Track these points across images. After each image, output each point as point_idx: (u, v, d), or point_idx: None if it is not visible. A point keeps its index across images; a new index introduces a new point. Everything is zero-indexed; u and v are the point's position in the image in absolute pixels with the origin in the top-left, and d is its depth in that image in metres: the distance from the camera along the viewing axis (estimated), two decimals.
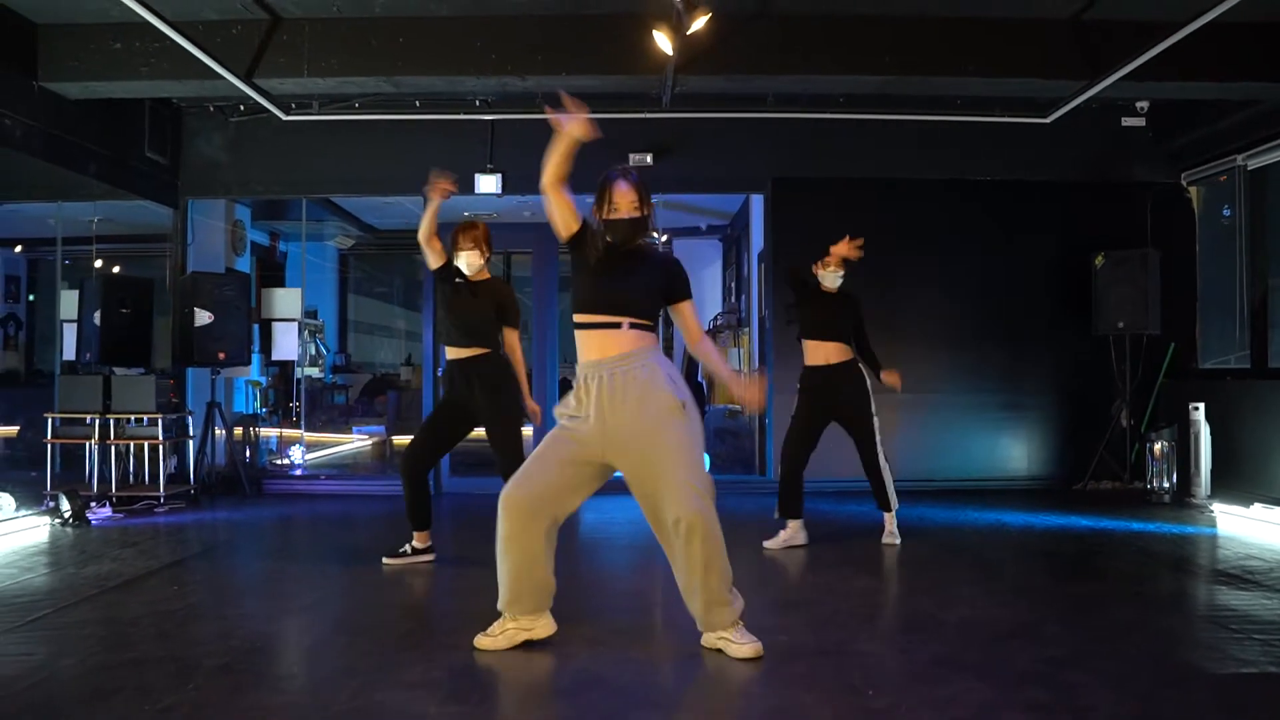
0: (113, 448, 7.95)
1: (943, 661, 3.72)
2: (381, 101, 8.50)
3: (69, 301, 9.05)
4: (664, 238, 11.92)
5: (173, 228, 9.22)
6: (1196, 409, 8.05)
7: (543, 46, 7.20)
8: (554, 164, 3.77)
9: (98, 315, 8.08)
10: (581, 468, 3.83)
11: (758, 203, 10.07)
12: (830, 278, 6.28)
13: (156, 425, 7.94)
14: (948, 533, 6.83)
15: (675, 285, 3.93)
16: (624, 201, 3.84)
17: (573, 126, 3.70)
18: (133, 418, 8.01)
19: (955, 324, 8.99)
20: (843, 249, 6.22)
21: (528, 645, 3.93)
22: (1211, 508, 7.55)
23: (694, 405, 3.84)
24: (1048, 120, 8.31)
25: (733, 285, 12.78)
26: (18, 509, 6.87)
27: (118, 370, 8.22)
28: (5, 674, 3.54)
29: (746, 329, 11.21)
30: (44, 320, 11.56)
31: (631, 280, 3.82)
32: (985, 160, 9.00)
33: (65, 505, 6.94)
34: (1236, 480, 7.84)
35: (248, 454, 9.45)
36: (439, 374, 7.68)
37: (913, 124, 8.76)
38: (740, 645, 3.77)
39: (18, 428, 9.90)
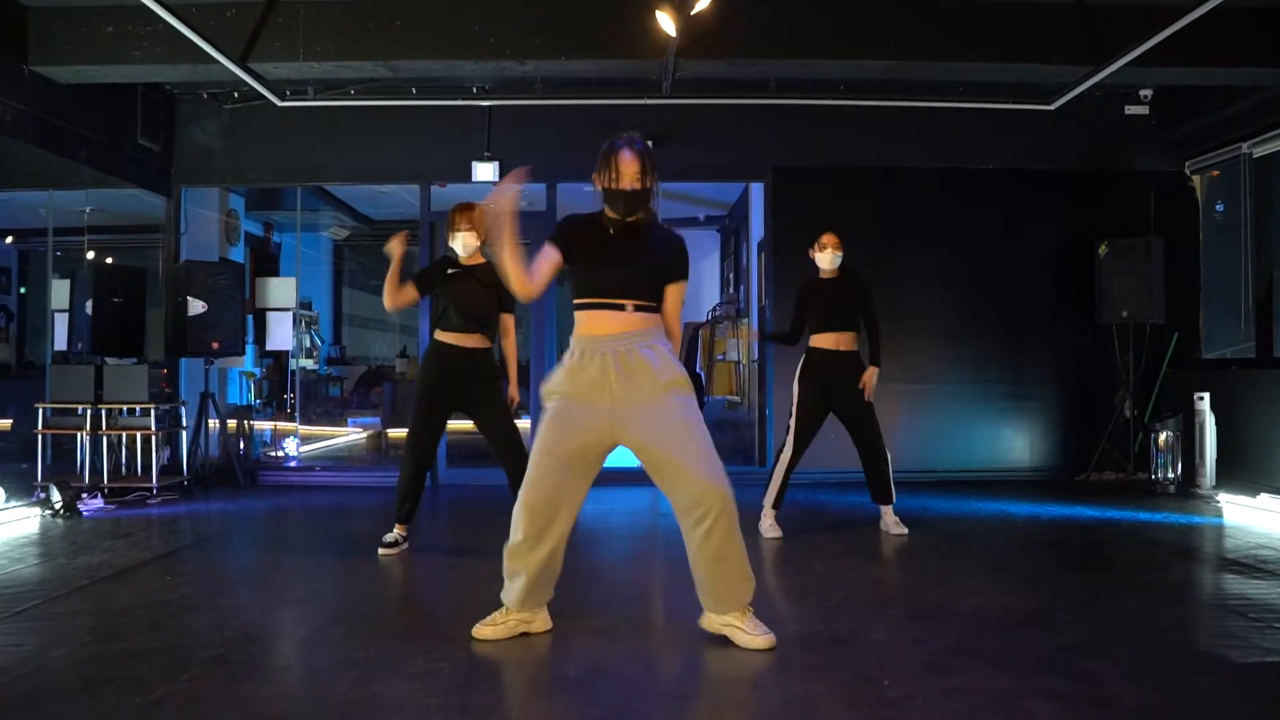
0: (104, 439, 7.83)
1: (957, 650, 3.63)
2: (378, 88, 8.38)
3: (60, 291, 8.93)
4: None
5: (166, 216, 9.09)
6: (1201, 399, 7.96)
7: (541, 30, 7.08)
8: (511, 262, 3.69)
9: (89, 304, 7.96)
10: (591, 450, 3.71)
11: (757, 192, 9.97)
12: (828, 259, 6.15)
13: (149, 416, 7.82)
14: (952, 523, 6.74)
15: (674, 264, 3.78)
16: (627, 171, 3.66)
17: (499, 199, 3.64)
18: (125, 408, 7.88)
19: (957, 314, 8.89)
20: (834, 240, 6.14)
21: (526, 637, 3.84)
22: (1217, 498, 7.48)
23: (690, 385, 3.75)
24: (1052, 107, 8.21)
25: (731, 276, 12.69)
26: (8, 500, 6.75)
27: (110, 360, 8.11)
28: None
29: (745, 320, 11.11)
30: (35, 312, 11.43)
31: (633, 264, 3.68)
32: (987, 149, 8.90)
33: (56, 496, 6.82)
34: (1242, 470, 7.75)
35: (242, 446, 9.34)
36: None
37: (914, 112, 8.66)
38: (752, 636, 3.67)
39: (10, 421, 9.76)
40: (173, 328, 8.47)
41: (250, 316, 9.58)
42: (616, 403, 3.61)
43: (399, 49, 7.08)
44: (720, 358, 11.39)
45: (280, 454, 9.90)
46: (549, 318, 9.03)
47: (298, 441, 9.91)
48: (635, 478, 8.76)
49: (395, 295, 5.39)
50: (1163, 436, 8.15)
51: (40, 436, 7.71)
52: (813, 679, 3.34)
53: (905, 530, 6.17)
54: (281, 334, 9.56)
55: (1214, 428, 7.89)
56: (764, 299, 9.40)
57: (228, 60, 6.92)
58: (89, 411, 7.72)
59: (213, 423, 8.68)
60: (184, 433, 8.45)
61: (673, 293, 3.77)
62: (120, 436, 8.06)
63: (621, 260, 3.68)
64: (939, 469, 8.73)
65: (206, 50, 6.77)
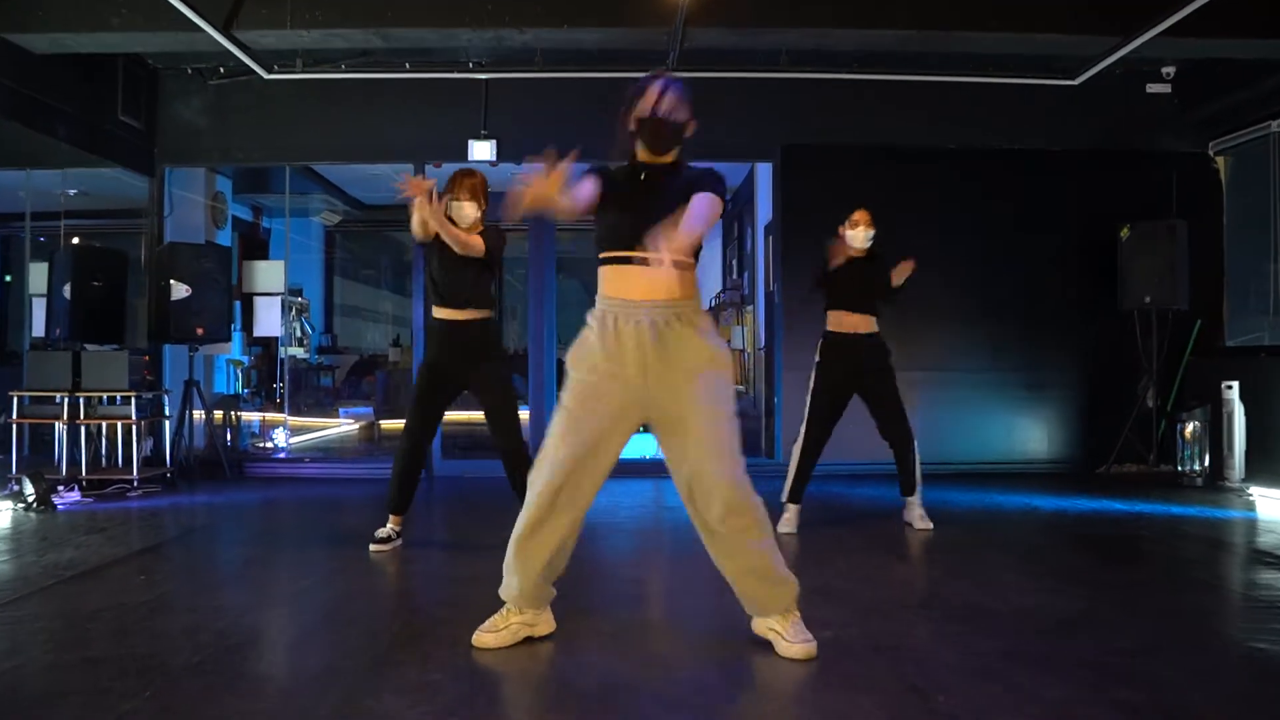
0: (83, 428, 7.46)
1: (1007, 655, 3.28)
2: (369, 62, 8.01)
3: (38, 275, 8.57)
4: None
5: (149, 198, 8.71)
6: (1230, 388, 7.64)
7: None
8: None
9: (68, 288, 7.60)
10: (619, 430, 3.34)
11: (764, 173, 9.62)
12: (861, 237, 5.80)
13: (130, 404, 7.46)
14: (976, 517, 6.41)
15: (701, 184, 3.29)
16: (663, 101, 3.31)
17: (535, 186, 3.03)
18: (105, 396, 7.52)
19: (973, 299, 8.53)
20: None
21: (530, 642, 3.48)
22: (1248, 491, 7.16)
23: (730, 364, 3.39)
24: (1076, 82, 7.88)
25: (734, 263, 12.34)
26: None
27: (90, 347, 7.75)
28: None
29: (750, 306, 10.76)
30: (15, 300, 11.05)
31: (667, 204, 3.18)
32: (1004, 128, 8.55)
33: (29, 489, 6.45)
34: (1273, 462, 7.41)
35: (229, 436, 8.98)
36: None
37: (929, 88, 8.31)
38: (791, 644, 3.32)
39: None
40: (156, 313, 8.11)
41: (238, 303, 9.23)
42: (651, 377, 3.24)
43: (391, 16, 6.71)
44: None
45: (269, 445, 9.53)
46: (549, 302, 8.67)
47: (287, 432, 9.55)
48: (640, 469, 8.44)
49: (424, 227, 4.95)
50: (1190, 427, 7.81)
51: (15, 426, 7.34)
52: (855, 691, 2.99)
53: (930, 525, 5.83)
54: (270, 320, 9.20)
55: (1243, 418, 7.56)
56: (772, 284, 9.05)
57: (211, 28, 6.55)
58: (66, 400, 7.34)
59: (198, 413, 8.31)
60: (167, 422, 8.08)
61: (696, 199, 3.22)
62: (100, 426, 7.70)
63: (654, 200, 3.23)
64: (955, 460, 8.39)
65: (189, 17, 6.41)
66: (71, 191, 9.78)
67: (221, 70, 8.36)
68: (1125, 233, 8.22)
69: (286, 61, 7.91)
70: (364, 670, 3.16)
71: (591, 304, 3.39)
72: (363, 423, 11.74)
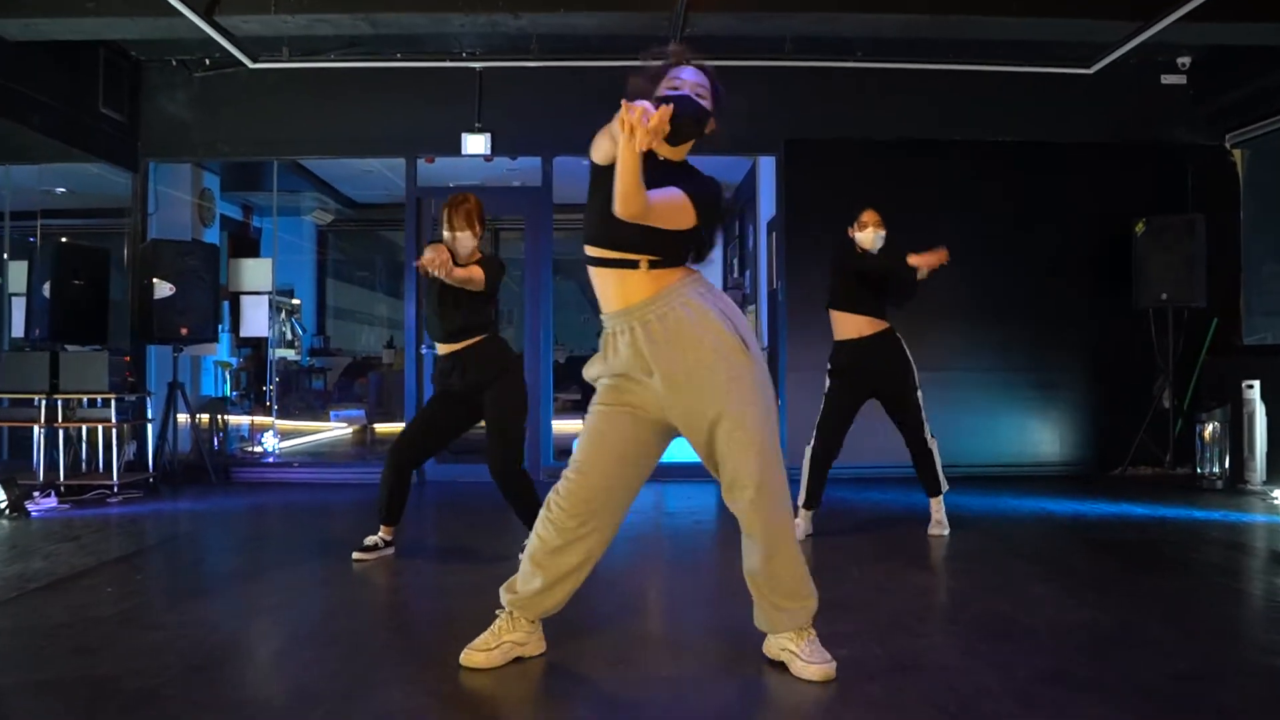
0: (61, 432, 7.17)
1: (1051, 678, 2.99)
2: (358, 51, 7.73)
3: (18, 274, 8.28)
4: None
5: (132, 193, 8.42)
6: (1251, 387, 7.37)
7: None
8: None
9: (48, 287, 7.31)
10: (644, 434, 3.11)
11: (766, 168, 9.36)
12: (870, 239, 5.53)
13: (110, 407, 7.17)
14: (991, 522, 6.13)
15: (690, 179, 3.04)
16: (688, 84, 3.05)
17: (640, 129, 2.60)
18: (84, 399, 7.23)
19: (983, 296, 8.26)
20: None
21: (520, 663, 3.19)
22: (1272, 494, 6.90)
23: (758, 348, 3.08)
24: (1090, 71, 7.61)
25: (735, 261, 12.07)
26: None
27: (70, 347, 7.46)
28: None
29: (753, 306, 10.49)
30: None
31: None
32: (1015, 120, 8.28)
33: (1, 494, 6.17)
34: None
35: (216, 440, 8.69)
36: (427, 361, 6.37)
37: (938, 78, 8.05)
38: (808, 664, 3.03)
39: None
40: (139, 312, 7.82)
41: (226, 303, 8.95)
42: (658, 379, 2.98)
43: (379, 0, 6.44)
44: None
45: (258, 449, 9.24)
46: (546, 302, 8.39)
47: (276, 435, 9.26)
48: None
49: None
50: (1209, 428, 7.54)
51: None
52: (880, 716, 2.70)
53: (947, 530, 5.58)
54: (257, 320, 8.91)
55: (1265, 418, 7.30)
56: (775, 282, 8.77)
57: (191, 12, 6.28)
58: (44, 402, 7.05)
59: (183, 416, 8.02)
60: (150, 426, 7.79)
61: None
62: (80, 430, 7.42)
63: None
64: (965, 463, 8.10)
65: (168, 1, 6.12)
66: (59, 190, 9.52)
67: (207, 62, 8.09)
68: (1140, 228, 7.96)
69: (272, 50, 7.64)
70: (340, 695, 2.88)
71: (586, 305, 3.12)
72: (355, 426, 11.46)
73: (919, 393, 5.57)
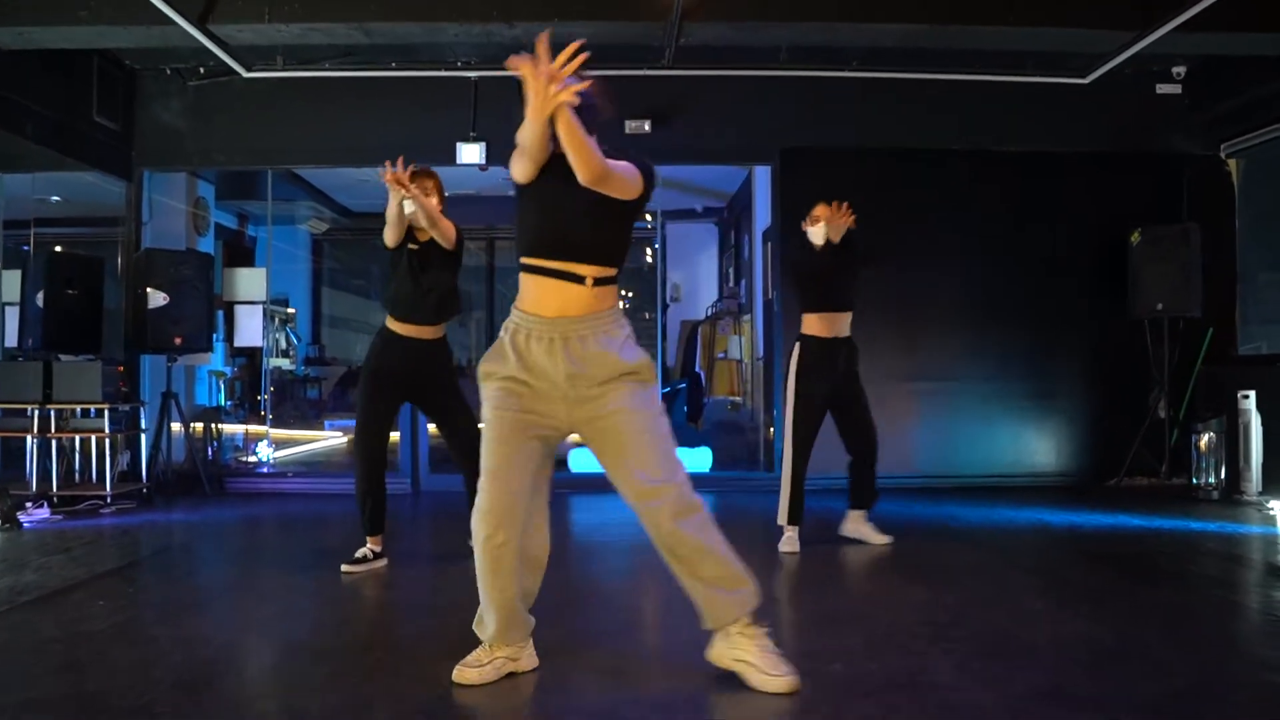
0: (54, 442, 7.13)
1: (1047, 695, 2.97)
2: (353, 60, 7.71)
3: (11, 282, 8.26)
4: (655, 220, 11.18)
5: (126, 202, 8.39)
6: (1246, 398, 7.35)
7: None
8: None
9: (41, 296, 7.29)
10: (550, 439, 3.16)
11: (762, 177, 9.36)
12: (821, 234, 5.49)
13: (103, 417, 7.14)
14: (987, 534, 6.11)
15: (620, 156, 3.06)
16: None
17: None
18: (78, 409, 7.20)
19: (978, 306, 8.26)
20: (826, 213, 5.47)
21: (513, 678, 3.17)
22: (1268, 505, 6.89)
23: (653, 371, 3.15)
24: (1086, 80, 7.61)
25: (730, 271, 12.07)
26: None
27: (64, 357, 7.43)
28: None
29: (748, 316, 10.48)
30: None
31: (594, 214, 2.98)
32: (1011, 130, 8.28)
33: None
34: None
35: (210, 450, 8.66)
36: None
37: (933, 87, 8.04)
38: (768, 676, 3.05)
39: None
40: (132, 322, 7.80)
41: (220, 312, 8.92)
42: (566, 392, 3.03)
43: (374, 8, 6.41)
44: (721, 356, 10.75)
45: (252, 459, 9.21)
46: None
47: (270, 445, 9.23)
48: None
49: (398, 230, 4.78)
50: (1204, 438, 7.53)
51: None
52: None
53: (889, 538, 5.56)
54: (251, 328, 8.88)
55: (1260, 429, 7.28)
56: (770, 292, 8.76)
57: (185, 21, 6.25)
58: (37, 412, 7.02)
59: (177, 426, 7.99)
60: (144, 436, 7.76)
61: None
62: (73, 440, 7.38)
63: (581, 210, 2.98)
64: (960, 473, 8.12)
65: (162, 9, 6.11)
66: (54, 199, 9.49)
67: (201, 70, 8.07)
68: (1136, 237, 7.96)
69: (266, 59, 7.62)
70: (332, 712, 2.85)
71: None
72: (350, 436, 11.44)
73: None
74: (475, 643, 3.20)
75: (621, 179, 2.96)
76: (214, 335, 8.53)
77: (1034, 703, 2.91)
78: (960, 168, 8.25)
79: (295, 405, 12.20)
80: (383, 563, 4.99)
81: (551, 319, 3.02)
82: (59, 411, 7.11)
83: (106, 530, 6.22)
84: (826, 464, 5.73)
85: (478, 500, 3.08)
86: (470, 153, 8.05)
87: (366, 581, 4.74)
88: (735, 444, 9.68)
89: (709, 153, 8.53)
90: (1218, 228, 8.21)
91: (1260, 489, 7.24)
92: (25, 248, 9.03)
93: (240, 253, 11.70)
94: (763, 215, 9.49)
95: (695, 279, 13.01)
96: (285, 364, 12.01)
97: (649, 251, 13.26)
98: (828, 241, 5.50)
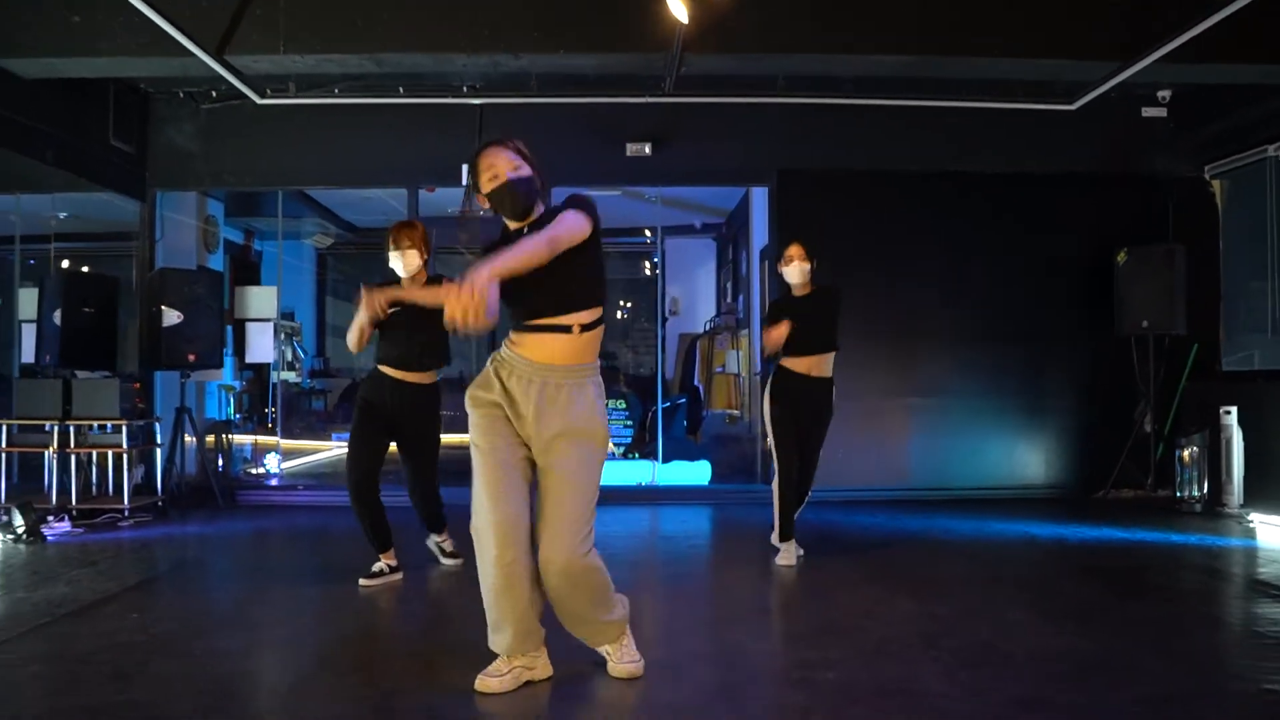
0: (73, 457, 7.35)
1: (1028, 704, 3.21)
2: (363, 86, 7.95)
3: (28, 300, 8.47)
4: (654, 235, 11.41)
5: (140, 222, 8.63)
6: (1228, 413, 7.61)
7: (538, 22, 6.65)
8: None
9: (58, 314, 7.51)
10: (523, 452, 3.37)
11: (759, 196, 9.61)
12: (795, 273, 5.70)
13: (121, 432, 7.36)
14: (977, 546, 6.34)
15: (563, 207, 3.29)
16: (502, 163, 3.34)
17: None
18: (95, 424, 7.42)
19: (970, 324, 8.51)
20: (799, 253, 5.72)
21: (530, 686, 3.41)
22: (1248, 518, 7.13)
23: (606, 436, 3.43)
24: (1073, 106, 7.86)
25: (728, 286, 12.30)
26: None
27: (80, 374, 7.65)
28: None
29: (746, 330, 10.72)
30: (4, 321, 10.94)
31: (552, 268, 3.16)
32: (1001, 152, 8.54)
33: (19, 520, 6.36)
34: (1271, 488, 7.36)
35: (220, 463, 8.88)
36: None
37: (927, 112, 8.28)
38: (618, 664, 3.55)
39: None
40: (147, 339, 8.01)
41: (229, 327, 9.14)
42: (540, 428, 3.30)
43: (386, 41, 6.65)
44: (719, 370, 10.98)
45: (261, 471, 9.43)
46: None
47: (279, 457, 9.45)
48: (633, 496, 8.39)
49: (361, 342, 4.98)
50: (1188, 452, 7.78)
51: (4, 455, 7.24)
52: None
53: (793, 562, 5.65)
54: (262, 346, 9.11)
55: (1241, 443, 7.53)
56: (767, 309, 9.00)
57: (203, 53, 6.49)
58: (56, 428, 7.24)
59: (189, 439, 8.20)
60: (159, 450, 7.98)
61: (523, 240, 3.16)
62: (90, 454, 7.61)
63: (544, 273, 3.16)
64: (953, 486, 8.37)
65: (181, 42, 6.35)
66: (61, 215, 9.70)
67: (213, 94, 8.30)
68: (1122, 257, 8.21)
69: (279, 86, 7.85)
70: (365, 717, 3.08)
71: None
72: None
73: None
74: (493, 652, 3.42)
75: (568, 237, 3.19)
76: (224, 351, 8.75)
77: (1015, 710, 3.16)
78: (951, 189, 8.51)
79: (300, 417, 12.40)
80: (398, 576, 5.22)
81: (539, 364, 3.28)
82: (78, 427, 7.32)
83: (126, 543, 6.44)
84: (830, 478, 5.92)
85: (480, 521, 3.28)
86: None
87: (383, 594, 4.96)
88: (733, 456, 9.90)
89: (708, 174, 8.78)
90: (1202, 247, 8.46)
91: (1241, 502, 7.49)
92: (31, 261, 9.26)
93: (246, 267, 11.90)
94: (760, 233, 9.72)
95: (693, 293, 13.25)
96: (292, 377, 12.22)
97: (648, 265, 13.53)
98: (808, 292, 5.71)
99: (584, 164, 8.31)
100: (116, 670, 3.58)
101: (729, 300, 12.06)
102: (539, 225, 3.29)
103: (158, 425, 7.98)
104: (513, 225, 3.41)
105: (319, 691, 3.45)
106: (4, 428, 7.31)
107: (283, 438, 9.80)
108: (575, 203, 3.30)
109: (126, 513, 7.25)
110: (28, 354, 8.42)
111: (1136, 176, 8.63)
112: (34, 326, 7.96)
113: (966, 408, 8.52)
